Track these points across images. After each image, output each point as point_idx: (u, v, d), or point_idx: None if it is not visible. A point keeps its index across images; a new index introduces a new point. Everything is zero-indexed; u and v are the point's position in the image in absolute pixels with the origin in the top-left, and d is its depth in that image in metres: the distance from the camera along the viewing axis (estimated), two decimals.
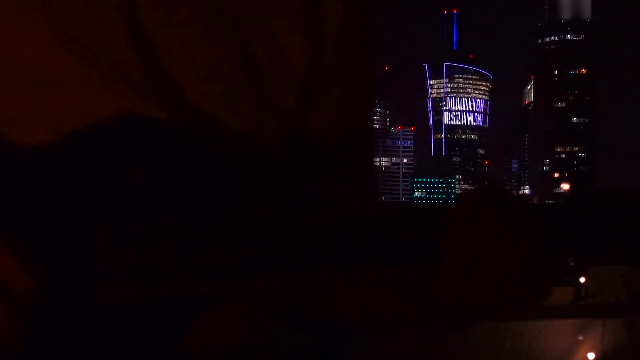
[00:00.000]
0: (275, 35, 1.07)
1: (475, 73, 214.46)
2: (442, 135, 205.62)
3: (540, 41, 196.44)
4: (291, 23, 1.08)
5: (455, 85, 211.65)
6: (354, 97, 1.12)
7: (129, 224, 0.89)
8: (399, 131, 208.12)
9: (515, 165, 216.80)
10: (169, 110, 1.00)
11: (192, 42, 1.03)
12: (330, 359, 1.11)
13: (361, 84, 1.13)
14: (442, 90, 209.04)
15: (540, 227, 0.90)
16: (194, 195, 0.94)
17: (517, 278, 0.91)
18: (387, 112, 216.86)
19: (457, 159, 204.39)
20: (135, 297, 0.89)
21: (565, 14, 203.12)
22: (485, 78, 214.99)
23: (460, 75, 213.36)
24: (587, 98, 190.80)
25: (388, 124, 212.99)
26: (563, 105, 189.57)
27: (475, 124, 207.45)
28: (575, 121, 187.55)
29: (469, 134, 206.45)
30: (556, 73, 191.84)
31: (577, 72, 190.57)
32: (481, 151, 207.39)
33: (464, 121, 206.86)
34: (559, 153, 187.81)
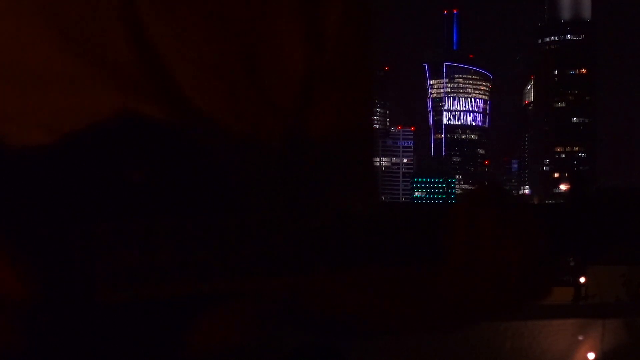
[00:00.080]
0: (276, 35, 1.07)
1: (475, 73, 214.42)
2: (442, 135, 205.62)
3: (540, 41, 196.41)
4: (291, 23, 1.08)
5: (455, 85, 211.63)
6: (354, 97, 1.12)
7: (129, 224, 0.89)
8: (399, 131, 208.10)
9: (515, 165, 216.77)
10: (169, 110, 1.00)
11: (192, 42, 1.03)
12: (330, 359, 1.11)
13: (361, 84, 1.13)
14: (442, 90, 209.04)
15: (540, 227, 0.90)
16: (194, 195, 0.94)
17: (517, 278, 0.91)
18: (387, 112, 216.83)
19: (457, 159, 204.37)
20: (135, 297, 0.89)
21: (565, 14, 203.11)
22: (485, 78, 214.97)
23: (460, 75, 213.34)
24: (587, 98, 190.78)
25: (388, 124, 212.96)
26: (563, 105, 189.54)
27: (475, 124, 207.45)
28: (575, 121, 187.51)
29: (469, 134, 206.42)
30: (556, 73, 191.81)
31: (577, 72, 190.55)
32: (481, 151, 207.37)
33: (463, 121, 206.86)
34: (559, 153, 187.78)
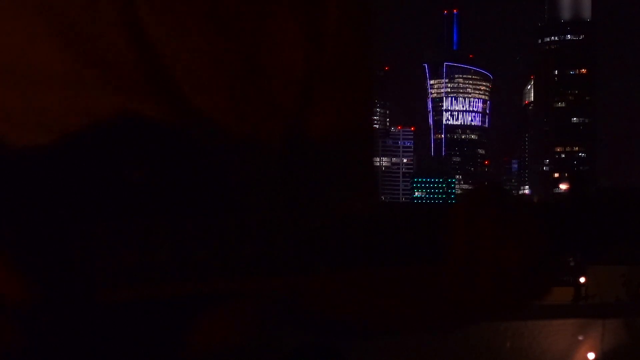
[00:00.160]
0: (276, 36, 1.07)
1: (475, 73, 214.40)
2: (442, 135, 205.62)
3: (540, 41, 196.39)
4: (291, 23, 1.08)
5: (455, 85, 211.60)
6: (354, 97, 1.12)
7: (129, 224, 0.89)
8: (399, 131, 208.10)
9: (515, 165, 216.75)
10: (169, 110, 1.00)
11: (192, 43, 1.03)
12: (330, 359, 1.11)
13: (361, 84, 1.13)
14: (442, 91, 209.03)
15: (540, 227, 0.90)
16: (193, 195, 0.94)
17: (517, 278, 0.91)
18: (387, 112, 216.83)
19: (457, 159, 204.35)
20: (135, 297, 0.89)
21: (565, 14, 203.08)
22: (485, 78, 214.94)
23: (460, 75, 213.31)
24: (587, 98, 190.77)
25: (388, 124, 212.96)
26: (563, 105, 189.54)
27: (474, 124, 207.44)
28: (575, 121, 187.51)
29: (468, 134, 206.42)
30: (556, 73, 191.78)
31: (577, 72, 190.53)
32: (481, 151, 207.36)
33: (463, 121, 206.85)
34: (559, 153, 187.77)
